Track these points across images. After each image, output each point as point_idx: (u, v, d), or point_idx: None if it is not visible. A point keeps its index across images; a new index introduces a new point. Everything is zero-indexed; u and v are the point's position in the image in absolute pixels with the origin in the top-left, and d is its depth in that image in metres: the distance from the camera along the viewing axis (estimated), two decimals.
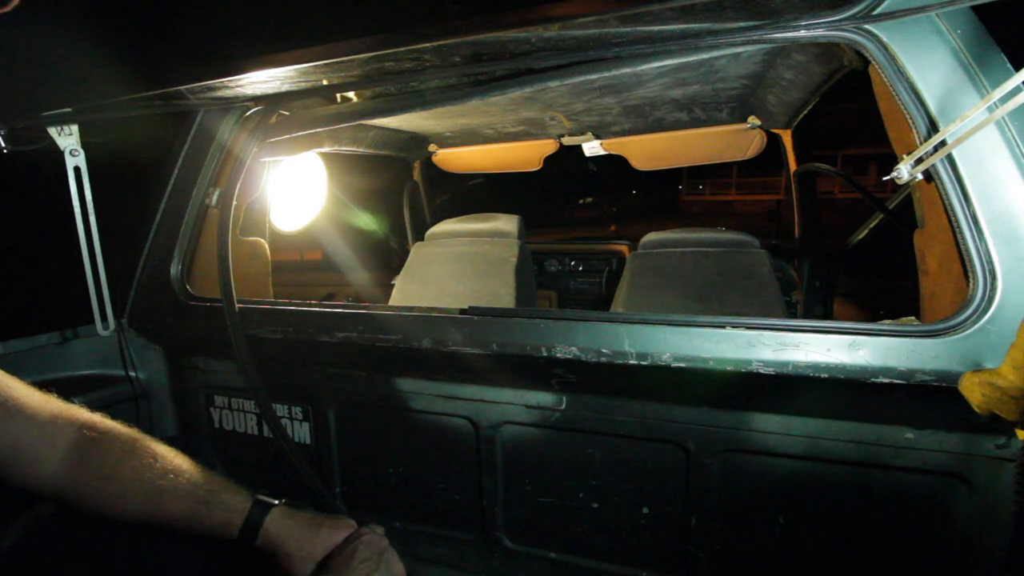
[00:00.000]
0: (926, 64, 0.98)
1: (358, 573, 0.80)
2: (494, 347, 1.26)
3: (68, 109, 1.41)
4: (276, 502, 0.86)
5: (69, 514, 0.87)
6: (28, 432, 0.76)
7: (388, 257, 3.37)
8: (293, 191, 2.12)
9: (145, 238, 1.70)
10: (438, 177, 3.26)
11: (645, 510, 1.34)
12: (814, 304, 2.35)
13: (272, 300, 1.55)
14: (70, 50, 1.25)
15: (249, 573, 0.86)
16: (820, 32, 1.01)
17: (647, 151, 2.55)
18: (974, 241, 0.96)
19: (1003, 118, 0.94)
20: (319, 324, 1.43)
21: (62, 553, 0.85)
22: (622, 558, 1.39)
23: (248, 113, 1.61)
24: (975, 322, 0.96)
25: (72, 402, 0.83)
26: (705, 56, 1.21)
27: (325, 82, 1.34)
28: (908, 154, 1.03)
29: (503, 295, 2.02)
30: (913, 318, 1.11)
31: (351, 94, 1.56)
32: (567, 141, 2.60)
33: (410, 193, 3.13)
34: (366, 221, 3.09)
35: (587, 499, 1.39)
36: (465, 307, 1.32)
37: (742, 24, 1.04)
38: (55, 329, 1.62)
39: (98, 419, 0.83)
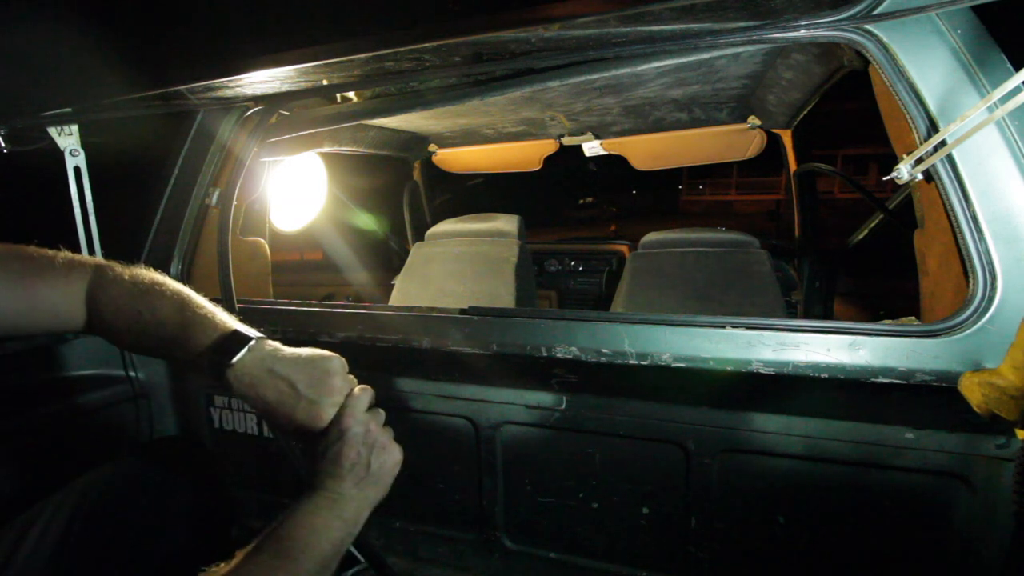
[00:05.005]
0: (926, 64, 0.98)
1: (350, 480, 0.74)
2: (494, 347, 1.26)
3: (68, 109, 1.41)
4: (247, 351, 0.77)
5: (67, 514, 0.87)
6: (59, 300, 0.78)
7: (388, 257, 3.37)
8: (293, 191, 2.12)
9: (145, 238, 1.70)
10: (438, 177, 3.26)
11: (645, 510, 1.34)
12: (814, 304, 2.35)
13: (272, 300, 1.55)
14: (70, 50, 1.25)
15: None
16: (820, 32, 1.01)
17: (647, 151, 2.55)
18: (974, 241, 0.96)
19: (1003, 118, 0.94)
20: (319, 324, 1.43)
21: (61, 552, 0.85)
22: (622, 558, 1.39)
23: (248, 113, 1.61)
24: (975, 322, 0.96)
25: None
26: (705, 56, 1.21)
27: (325, 82, 1.34)
28: (908, 154, 1.03)
29: (503, 295, 2.02)
30: (913, 318, 1.11)
31: (351, 94, 1.56)
32: (567, 141, 2.60)
33: (410, 193, 3.13)
34: (366, 221, 3.09)
35: (587, 499, 1.39)
36: (465, 307, 1.32)
37: (742, 24, 1.04)
38: None
39: (106, 263, 0.84)
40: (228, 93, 1.41)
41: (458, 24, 1.05)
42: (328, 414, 0.75)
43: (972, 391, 0.92)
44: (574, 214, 23.45)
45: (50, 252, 0.81)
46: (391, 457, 0.79)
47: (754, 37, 1.04)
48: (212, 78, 1.26)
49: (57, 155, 1.46)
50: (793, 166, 2.37)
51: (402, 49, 1.11)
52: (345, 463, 0.74)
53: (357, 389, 0.79)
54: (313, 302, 1.53)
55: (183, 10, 1.25)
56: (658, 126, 2.34)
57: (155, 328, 0.78)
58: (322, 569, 0.69)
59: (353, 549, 1.38)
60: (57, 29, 1.23)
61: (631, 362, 1.15)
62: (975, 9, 0.96)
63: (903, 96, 1.00)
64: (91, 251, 1.52)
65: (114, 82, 1.29)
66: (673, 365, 1.11)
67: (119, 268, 0.82)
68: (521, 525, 1.47)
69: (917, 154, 1.00)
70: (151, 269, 0.84)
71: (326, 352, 0.79)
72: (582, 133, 2.49)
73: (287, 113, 1.64)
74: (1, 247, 0.78)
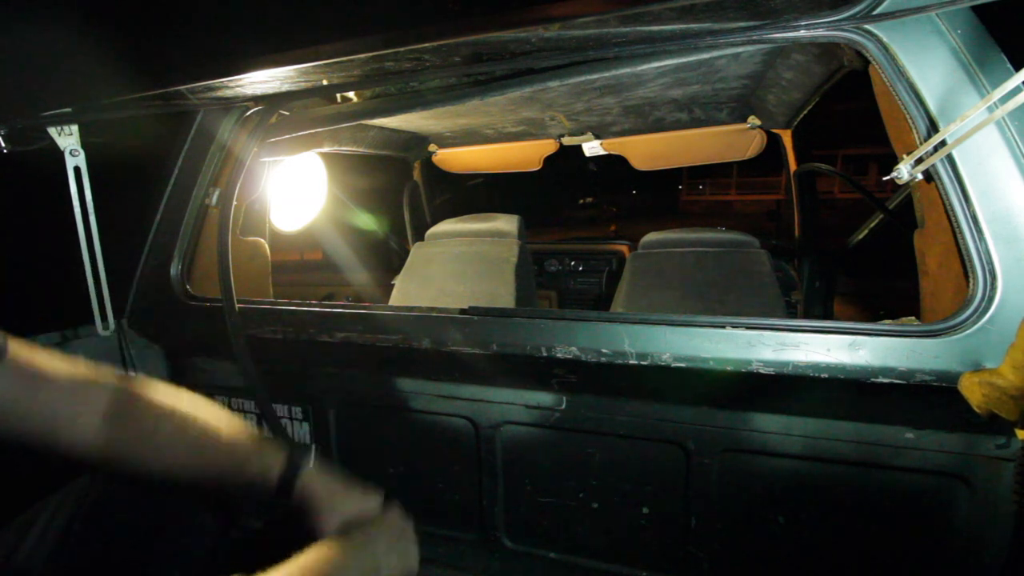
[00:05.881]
0: (926, 64, 0.98)
1: (376, 543, 0.80)
2: (494, 347, 1.26)
3: (68, 109, 1.41)
4: (311, 460, 0.86)
5: (67, 514, 0.87)
6: (61, 399, 0.77)
7: (388, 257, 3.37)
8: (293, 191, 2.12)
9: (145, 238, 1.70)
10: (438, 177, 3.26)
11: (645, 510, 1.34)
12: (814, 304, 2.34)
13: (272, 300, 1.55)
14: (70, 50, 1.25)
15: (259, 548, 0.86)
16: (820, 32, 1.01)
17: (647, 151, 2.55)
18: (974, 241, 0.96)
19: (1003, 118, 0.94)
20: (319, 324, 1.43)
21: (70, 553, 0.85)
22: (622, 558, 1.39)
23: (248, 113, 1.61)
24: (975, 322, 0.96)
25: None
26: (705, 56, 1.21)
27: (325, 82, 1.34)
28: (908, 154, 1.03)
29: (503, 295, 2.01)
30: (913, 318, 1.11)
31: (351, 94, 1.56)
32: (567, 141, 2.60)
33: (410, 193, 3.13)
34: (366, 221, 3.09)
35: (587, 499, 1.39)
36: (465, 307, 1.32)
37: (742, 24, 1.03)
38: (55, 329, 1.62)
39: (133, 379, 0.84)
40: (228, 93, 1.41)
41: (458, 24, 1.05)
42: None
43: (972, 391, 0.92)
44: (574, 214, 23.45)
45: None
46: (411, 555, 0.85)
47: (754, 37, 1.04)
48: (212, 78, 1.26)
49: (57, 155, 1.45)
50: (793, 166, 2.37)
51: (402, 49, 1.11)
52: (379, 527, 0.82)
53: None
54: (313, 302, 1.52)
55: (183, 10, 1.25)
56: (658, 126, 2.34)
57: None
58: None
59: None
60: (57, 29, 1.23)
61: (631, 362, 1.15)
62: (975, 9, 0.96)
63: (903, 96, 1.00)
64: (91, 251, 1.52)
65: (114, 82, 1.29)
66: (673, 365, 1.11)
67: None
68: (521, 525, 1.47)
69: (917, 154, 1.00)
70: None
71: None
72: (582, 133, 2.49)
73: (287, 113, 1.64)
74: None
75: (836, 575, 1.22)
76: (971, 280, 0.97)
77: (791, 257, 2.68)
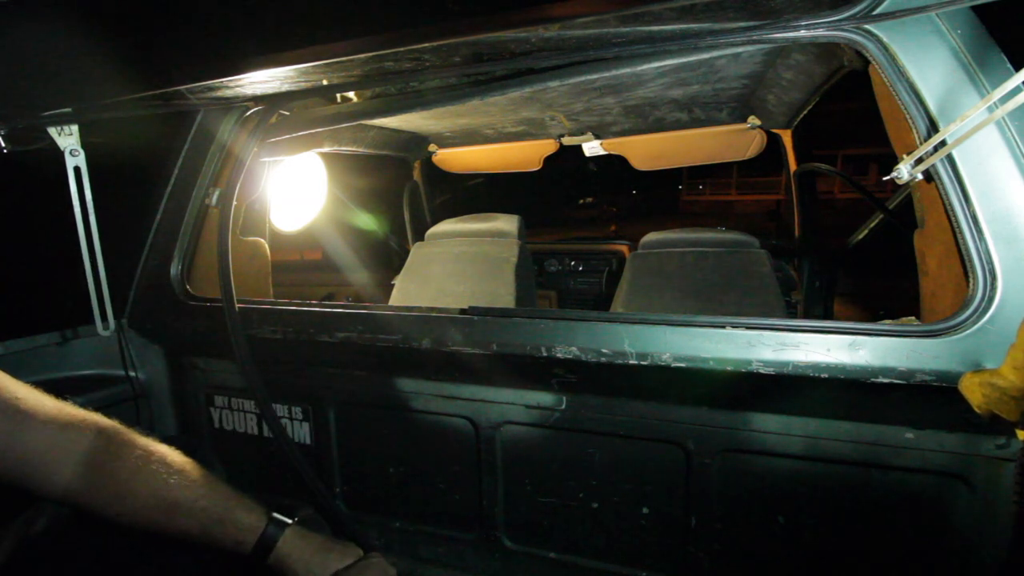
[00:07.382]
0: (926, 64, 0.98)
1: None
2: (494, 347, 1.26)
3: (68, 109, 1.41)
4: (290, 521, 0.86)
5: (71, 519, 0.87)
6: (39, 443, 0.76)
7: (388, 257, 3.37)
8: (293, 191, 2.12)
9: (145, 238, 1.70)
10: (438, 177, 3.26)
11: (645, 510, 1.34)
12: (814, 304, 2.35)
13: (272, 300, 1.55)
14: (70, 50, 1.25)
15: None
16: (820, 32, 1.01)
17: (647, 151, 2.55)
18: (974, 241, 0.96)
19: (1003, 118, 0.94)
20: (319, 324, 1.43)
21: (63, 554, 0.85)
22: (622, 558, 1.39)
23: (248, 113, 1.61)
24: (975, 322, 0.96)
25: (67, 399, 0.83)
26: (705, 56, 1.21)
27: (325, 82, 1.34)
28: (908, 154, 1.03)
29: (503, 295, 2.02)
30: (913, 318, 1.11)
31: (351, 94, 1.56)
32: (567, 141, 2.60)
33: (410, 193, 3.13)
34: (366, 221, 3.09)
35: (587, 499, 1.39)
36: (465, 307, 1.32)
37: (742, 24, 1.04)
38: (55, 329, 1.62)
39: (112, 430, 0.82)
40: (228, 93, 1.41)
41: (458, 24, 1.05)
42: None
43: (972, 391, 0.92)
44: (574, 214, 23.45)
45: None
46: None
47: (754, 37, 1.04)
48: (212, 78, 1.26)
49: (57, 155, 1.45)
50: (793, 166, 2.37)
51: (402, 49, 1.11)
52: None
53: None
54: (313, 302, 1.52)
55: (183, 10, 1.25)
56: (658, 126, 2.34)
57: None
58: None
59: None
60: (57, 29, 1.23)
61: (631, 362, 1.15)
62: (975, 9, 0.96)
63: (903, 96, 1.00)
64: (91, 251, 1.52)
65: (114, 82, 1.29)
66: (673, 365, 1.11)
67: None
68: (521, 525, 1.47)
69: (917, 154, 1.00)
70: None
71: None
72: (582, 133, 2.49)
73: (287, 113, 1.64)
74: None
75: (836, 575, 1.22)
76: (971, 280, 0.97)
77: (791, 257, 2.68)
